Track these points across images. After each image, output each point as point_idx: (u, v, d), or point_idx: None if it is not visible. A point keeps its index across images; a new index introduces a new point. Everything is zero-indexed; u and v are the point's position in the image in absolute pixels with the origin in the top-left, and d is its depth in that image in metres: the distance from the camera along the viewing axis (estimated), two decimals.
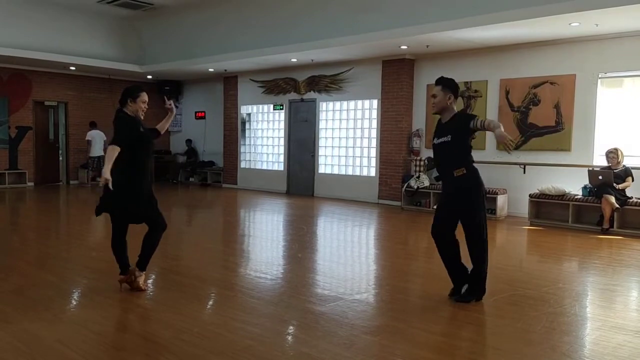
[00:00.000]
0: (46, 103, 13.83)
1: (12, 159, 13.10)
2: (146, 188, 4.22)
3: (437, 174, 4.46)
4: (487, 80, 9.38)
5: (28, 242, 6.85)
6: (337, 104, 11.58)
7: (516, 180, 9.05)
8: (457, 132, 4.04)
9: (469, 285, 4.22)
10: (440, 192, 4.36)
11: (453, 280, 4.26)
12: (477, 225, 4.10)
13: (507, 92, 9.14)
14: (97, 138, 13.22)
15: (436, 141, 4.19)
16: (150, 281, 4.90)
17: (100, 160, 13.46)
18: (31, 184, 13.31)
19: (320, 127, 11.91)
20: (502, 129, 3.81)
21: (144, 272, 4.33)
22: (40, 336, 3.37)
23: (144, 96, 4.26)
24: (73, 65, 12.78)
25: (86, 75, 14.07)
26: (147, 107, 4.30)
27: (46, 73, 13.42)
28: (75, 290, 4.55)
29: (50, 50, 12.02)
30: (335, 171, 11.68)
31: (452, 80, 4.17)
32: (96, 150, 13.24)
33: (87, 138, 13.26)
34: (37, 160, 13.62)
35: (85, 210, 10.09)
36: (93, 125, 13.35)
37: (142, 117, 4.31)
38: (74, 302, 4.25)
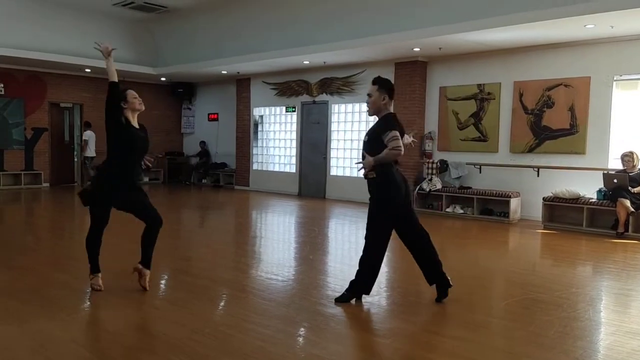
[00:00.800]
0: (61, 105, 14.01)
1: (28, 160, 13.29)
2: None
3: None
4: (500, 83, 9.32)
5: (42, 242, 6.94)
6: (349, 106, 11.58)
7: (529, 183, 8.97)
8: (373, 135, 4.03)
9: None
10: None
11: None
12: (368, 230, 4.12)
13: (521, 95, 9.07)
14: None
15: (364, 138, 4.19)
16: (162, 282, 4.95)
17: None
18: (46, 184, 13.48)
19: (332, 129, 11.92)
20: (383, 154, 3.85)
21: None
22: (55, 335, 3.42)
23: (131, 92, 4.28)
24: (88, 67, 12.94)
25: (101, 77, 14.16)
26: (140, 99, 4.29)
27: (61, 75, 13.59)
28: (89, 290, 4.59)
29: (66, 53, 12.19)
30: (347, 173, 11.67)
31: (388, 80, 4.15)
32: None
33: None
34: (52, 161, 13.80)
35: None
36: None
37: (142, 108, 4.31)
38: (88, 302, 4.29)
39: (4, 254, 5.98)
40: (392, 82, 10.85)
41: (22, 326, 3.55)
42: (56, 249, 6.42)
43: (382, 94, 4.03)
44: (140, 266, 4.34)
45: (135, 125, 4.28)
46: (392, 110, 4.16)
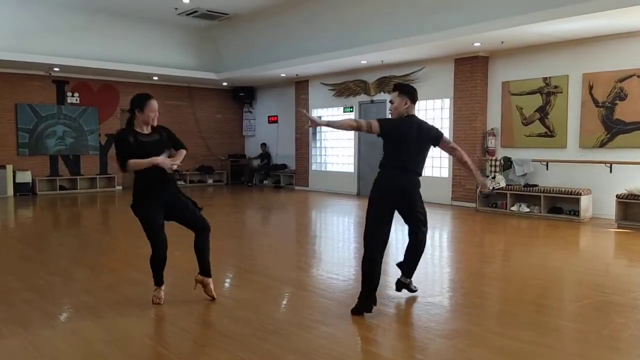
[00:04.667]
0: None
1: (102, 164, 14.10)
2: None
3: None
4: (568, 75, 8.93)
5: (117, 242, 7.33)
6: None
7: (601, 180, 8.54)
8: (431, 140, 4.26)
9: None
10: (382, 194, 4.41)
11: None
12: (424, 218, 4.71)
13: (591, 87, 8.65)
14: None
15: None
16: (227, 280, 5.11)
17: None
18: (119, 187, 14.24)
19: None
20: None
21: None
22: (130, 331, 3.62)
23: (153, 104, 4.28)
24: (155, 75, 13.55)
25: (167, 84, 14.84)
26: (156, 114, 4.28)
27: (131, 83, 14.28)
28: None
29: (135, 62, 12.83)
30: None
31: (407, 85, 4.23)
32: None
33: None
34: None
35: None
36: None
37: (154, 124, 4.36)
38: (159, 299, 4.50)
39: (85, 254, 6.40)
40: (453, 79, 10.60)
41: (99, 321, 3.78)
42: (130, 249, 6.77)
43: (403, 99, 4.08)
44: (200, 277, 4.29)
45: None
46: (413, 112, 4.14)
